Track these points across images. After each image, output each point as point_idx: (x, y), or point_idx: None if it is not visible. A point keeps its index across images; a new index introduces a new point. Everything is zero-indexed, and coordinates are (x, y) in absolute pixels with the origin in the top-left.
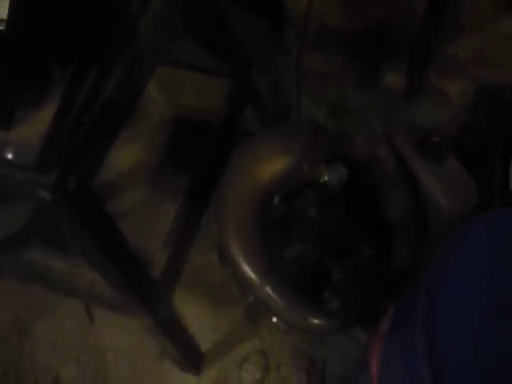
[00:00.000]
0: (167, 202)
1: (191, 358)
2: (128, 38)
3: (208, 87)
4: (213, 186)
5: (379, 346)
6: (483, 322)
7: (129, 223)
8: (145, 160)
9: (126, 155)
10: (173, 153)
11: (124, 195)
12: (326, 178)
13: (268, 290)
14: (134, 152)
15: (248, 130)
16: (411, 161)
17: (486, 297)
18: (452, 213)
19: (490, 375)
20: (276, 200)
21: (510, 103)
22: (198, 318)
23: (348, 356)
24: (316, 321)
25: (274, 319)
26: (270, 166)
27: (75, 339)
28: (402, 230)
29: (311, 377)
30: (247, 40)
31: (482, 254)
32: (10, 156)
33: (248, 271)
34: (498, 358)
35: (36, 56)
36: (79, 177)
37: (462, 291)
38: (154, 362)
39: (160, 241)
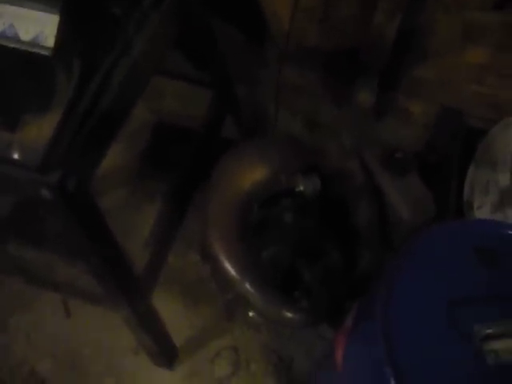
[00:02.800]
0: (147, 205)
1: (166, 352)
2: (126, 51)
3: (189, 95)
4: (192, 191)
5: (343, 340)
6: (433, 314)
7: (110, 224)
8: (125, 164)
9: (106, 158)
10: (153, 157)
11: (105, 197)
12: (301, 188)
13: (247, 285)
14: (115, 155)
15: (228, 138)
16: (378, 175)
17: (435, 293)
18: (412, 223)
19: (440, 358)
20: (255, 205)
21: (469, 125)
22: (174, 316)
23: (314, 353)
24: (289, 314)
25: (251, 313)
26: (251, 174)
27: (51, 333)
28: (367, 238)
29: (279, 372)
30: (229, 52)
31: (433, 258)
32: (15, 156)
33: (229, 268)
34: (448, 342)
35: (49, 68)
36: (78, 178)
37: (415, 289)
38: (129, 356)
39: (140, 241)
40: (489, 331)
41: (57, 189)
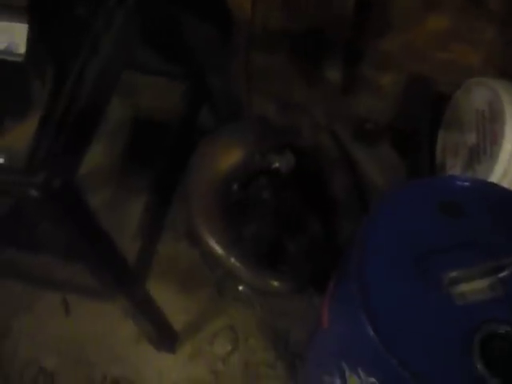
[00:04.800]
0: (132, 199)
1: (167, 337)
2: (95, 50)
3: (164, 89)
4: (175, 182)
5: (328, 302)
6: (403, 266)
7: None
8: (107, 161)
9: (88, 157)
10: (134, 152)
11: (90, 195)
12: (276, 165)
13: (233, 260)
14: (96, 154)
15: (206, 128)
16: (350, 146)
17: (403, 247)
18: (386, 188)
19: (412, 304)
20: (235, 186)
21: (437, 91)
22: (170, 302)
23: (308, 323)
24: (275, 284)
25: (240, 287)
26: (227, 157)
27: (54, 331)
28: (345, 207)
29: (277, 345)
30: (198, 44)
31: (400, 216)
32: (1, 161)
33: (215, 246)
34: (418, 289)
35: (23, 75)
36: (63, 175)
37: (385, 245)
38: (132, 345)
39: (130, 234)
40: (454, 275)
41: (43, 188)
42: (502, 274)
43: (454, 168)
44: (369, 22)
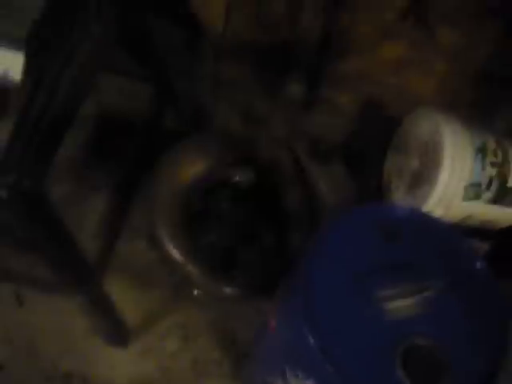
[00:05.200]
0: (93, 197)
1: (119, 332)
2: (70, 59)
3: (130, 89)
4: (136, 181)
5: (275, 309)
6: (343, 284)
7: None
8: (69, 156)
9: None
10: (97, 150)
11: (52, 189)
12: (236, 178)
13: (190, 266)
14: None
15: (170, 129)
16: (305, 163)
17: (345, 266)
18: (335, 206)
19: (350, 319)
20: (196, 195)
21: (389, 115)
22: (124, 299)
23: (254, 325)
24: (227, 290)
25: (195, 292)
26: (191, 167)
27: (6, 322)
28: (297, 220)
29: (224, 344)
30: (167, 49)
31: (343, 238)
32: None
33: (175, 253)
34: (355, 305)
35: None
36: (33, 178)
37: (329, 264)
38: (84, 339)
39: (89, 231)
40: (386, 293)
41: (13, 189)
42: (426, 294)
43: (398, 189)
44: (330, 44)
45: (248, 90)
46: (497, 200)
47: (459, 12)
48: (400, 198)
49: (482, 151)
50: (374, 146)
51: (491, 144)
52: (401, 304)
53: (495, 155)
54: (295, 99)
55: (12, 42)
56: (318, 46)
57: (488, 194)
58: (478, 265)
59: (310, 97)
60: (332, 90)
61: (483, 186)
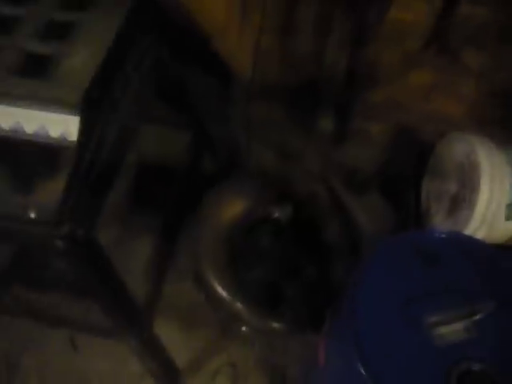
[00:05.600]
0: (139, 241)
1: (170, 374)
2: (114, 111)
3: (168, 137)
4: (180, 224)
5: (323, 341)
6: (391, 310)
7: None
8: (115, 203)
9: None
10: (141, 196)
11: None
12: (276, 215)
13: (238, 304)
14: None
15: (209, 172)
16: (342, 194)
17: (391, 293)
18: (375, 234)
19: (400, 346)
20: (239, 234)
21: (421, 140)
22: (173, 340)
23: (304, 361)
24: (275, 325)
25: (244, 328)
26: (232, 208)
27: (61, 368)
28: (338, 251)
29: (275, 381)
30: (201, 96)
31: (386, 267)
32: (32, 215)
33: (221, 291)
34: (404, 331)
35: None
36: (86, 228)
37: (375, 292)
38: (136, 382)
39: (138, 275)
40: (434, 319)
41: (68, 239)
42: (475, 318)
43: (438, 214)
44: (357, 78)
45: (280, 128)
46: None
47: (484, 34)
48: (440, 222)
49: None
50: (409, 172)
51: None
52: (450, 329)
53: None
54: (327, 133)
55: (68, 107)
56: (345, 80)
57: None
58: None
59: (341, 130)
60: (363, 121)
61: None
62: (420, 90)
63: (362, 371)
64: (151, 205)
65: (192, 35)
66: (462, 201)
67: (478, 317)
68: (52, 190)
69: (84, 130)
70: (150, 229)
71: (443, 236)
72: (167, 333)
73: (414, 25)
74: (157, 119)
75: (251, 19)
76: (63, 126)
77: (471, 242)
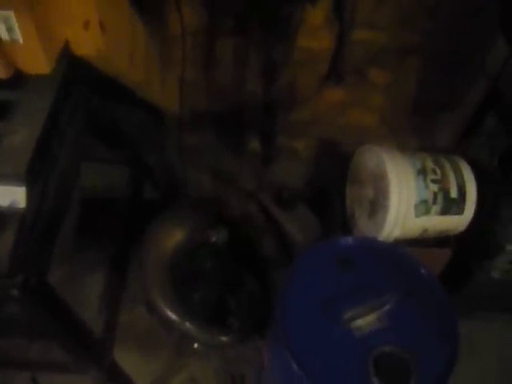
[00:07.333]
0: (89, 275)
1: None
2: (54, 163)
3: (109, 172)
4: (127, 253)
5: (266, 346)
6: (313, 311)
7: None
8: (61, 239)
9: None
10: (86, 231)
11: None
12: (213, 239)
13: (187, 324)
14: None
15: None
16: (273, 211)
17: (313, 295)
18: (305, 244)
19: (323, 340)
20: (181, 260)
21: (342, 151)
22: (133, 365)
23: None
24: (223, 338)
25: (196, 345)
26: (173, 237)
27: None
28: (274, 263)
29: None
30: (134, 131)
31: (308, 273)
32: None
33: (171, 315)
34: (326, 328)
35: None
36: (37, 274)
37: (299, 297)
38: None
39: (92, 308)
40: (350, 314)
41: (22, 287)
42: (384, 309)
43: (361, 217)
44: (275, 102)
45: (213, 153)
46: (444, 211)
47: (383, 54)
48: (363, 225)
49: (422, 172)
50: (334, 181)
51: (429, 164)
52: (365, 321)
53: (434, 173)
54: (256, 154)
55: (15, 180)
56: (264, 105)
57: (436, 208)
58: (425, 274)
59: (268, 150)
60: (288, 139)
61: (430, 202)
62: (336, 106)
63: (294, 366)
64: (99, 238)
65: (119, 86)
66: (378, 205)
67: (386, 307)
68: (3, 245)
69: (30, 196)
70: (101, 261)
71: (356, 242)
72: (128, 359)
73: (321, 51)
74: (97, 158)
75: (172, 64)
76: (11, 195)
77: (379, 245)
